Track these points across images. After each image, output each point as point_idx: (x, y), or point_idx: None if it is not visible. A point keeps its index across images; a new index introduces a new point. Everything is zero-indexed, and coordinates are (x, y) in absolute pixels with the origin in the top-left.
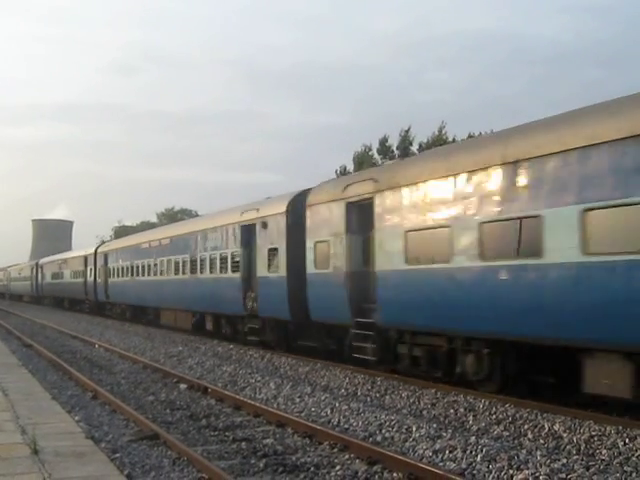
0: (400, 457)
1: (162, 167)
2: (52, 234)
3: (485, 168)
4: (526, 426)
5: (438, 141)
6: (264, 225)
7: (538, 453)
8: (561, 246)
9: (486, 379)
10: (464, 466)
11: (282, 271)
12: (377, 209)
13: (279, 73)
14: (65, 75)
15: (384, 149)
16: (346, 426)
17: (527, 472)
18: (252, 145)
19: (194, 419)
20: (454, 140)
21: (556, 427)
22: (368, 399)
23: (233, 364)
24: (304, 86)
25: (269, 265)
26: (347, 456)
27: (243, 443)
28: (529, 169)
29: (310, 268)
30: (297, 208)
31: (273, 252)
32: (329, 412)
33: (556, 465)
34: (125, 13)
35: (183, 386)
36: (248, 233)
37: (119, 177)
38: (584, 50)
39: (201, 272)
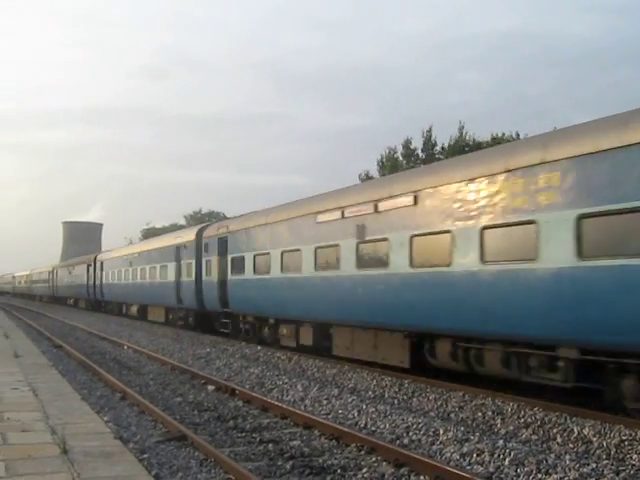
0: (427, 460)
1: (191, 170)
2: (82, 236)
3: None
4: (555, 430)
5: (459, 143)
6: (184, 247)
7: (567, 457)
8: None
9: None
10: (492, 470)
11: (192, 277)
12: (229, 243)
13: (306, 76)
14: (96, 79)
15: (408, 152)
16: (373, 428)
17: (555, 477)
18: (280, 148)
19: (221, 420)
20: (473, 142)
21: (586, 431)
22: (395, 401)
23: (260, 366)
24: (331, 88)
25: (187, 273)
26: (374, 458)
27: (270, 445)
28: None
29: (204, 276)
30: (200, 237)
31: (188, 264)
32: (356, 414)
33: (585, 470)
34: (153, 18)
35: (211, 387)
36: (178, 251)
37: (148, 180)
38: (611, 48)
39: (150, 277)
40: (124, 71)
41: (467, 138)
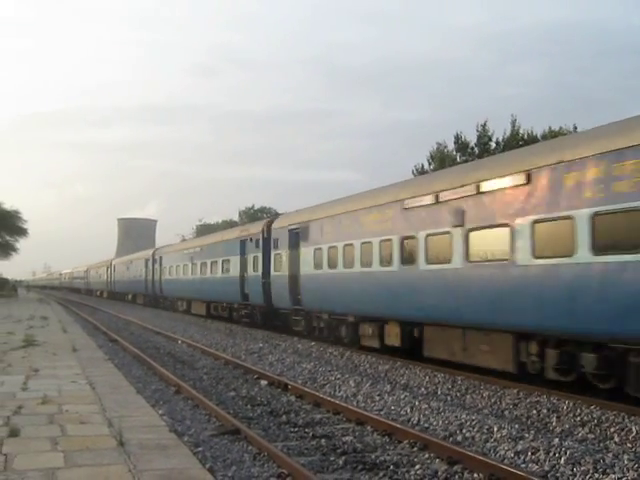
0: (481, 458)
1: (244, 166)
2: (137, 233)
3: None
4: (612, 429)
5: (514, 138)
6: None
7: (625, 457)
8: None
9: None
10: (547, 468)
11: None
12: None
13: (357, 70)
14: (150, 77)
15: (461, 146)
16: (426, 425)
17: (613, 477)
18: (331, 143)
19: (274, 415)
20: (528, 136)
21: None
22: (448, 398)
23: (313, 361)
24: (383, 83)
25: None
26: (427, 455)
27: (323, 440)
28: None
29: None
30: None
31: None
32: (409, 411)
33: None
34: (205, 17)
35: (264, 382)
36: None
37: (203, 176)
38: None
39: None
40: (178, 70)
41: (521, 132)
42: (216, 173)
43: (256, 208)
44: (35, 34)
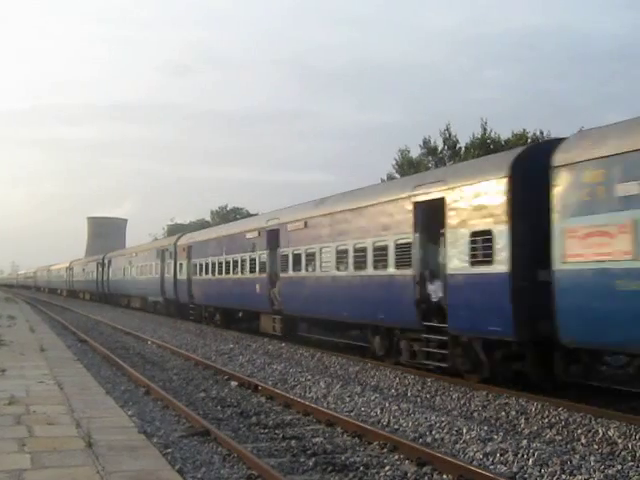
0: (450, 459)
1: (216, 166)
2: (106, 232)
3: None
4: (579, 431)
5: (484, 139)
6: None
7: (592, 458)
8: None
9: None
10: (515, 470)
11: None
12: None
13: (331, 72)
14: (121, 75)
15: (429, 151)
16: (396, 426)
17: (580, 478)
18: (304, 144)
19: (244, 416)
20: (498, 139)
21: (610, 432)
22: (418, 400)
23: (283, 362)
24: (358, 85)
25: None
26: (397, 456)
27: (293, 441)
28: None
29: (178, 275)
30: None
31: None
32: (379, 412)
33: (610, 471)
34: (178, 15)
35: (234, 383)
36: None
37: (173, 176)
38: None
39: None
40: (149, 68)
41: (492, 135)
42: (189, 173)
43: (229, 208)
44: (3, 29)
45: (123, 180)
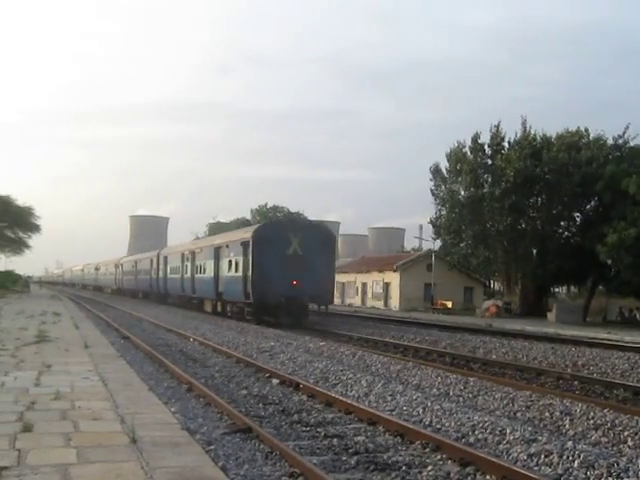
0: (494, 459)
1: (257, 164)
2: (148, 230)
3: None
4: (626, 432)
5: (526, 139)
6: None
7: (639, 461)
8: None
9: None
10: (560, 472)
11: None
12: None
13: (370, 69)
14: (162, 75)
15: (477, 146)
16: (438, 426)
17: None
18: (345, 142)
19: (286, 414)
20: (543, 136)
21: None
22: (460, 399)
23: (324, 360)
24: (396, 82)
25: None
26: (439, 456)
27: (334, 440)
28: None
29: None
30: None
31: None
32: (421, 411)
33: None
34: (218, 14)
35: (275, 381)
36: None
37: (215, 175)
38: None
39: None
40: (191, 67)
41: (533, 133)
42: (230, 171)
43: (269, 207)
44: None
45: (165, 179)
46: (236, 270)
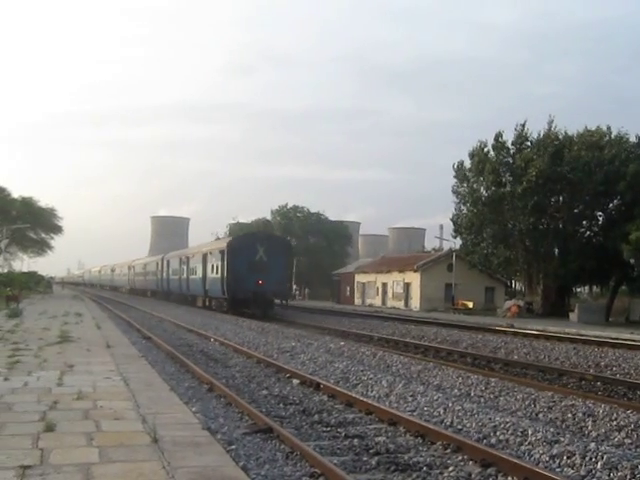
0: (516, 461)
1: (276, 165)
2: (169, 231)
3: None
4: None
5: (549, 137)
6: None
7: None
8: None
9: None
10: (583, 473)
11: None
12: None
13: (389, 68)
14: (184, 77)
15: (499, 145)
16: (459, 427)
17: None
18: (365, 142)
19: (307, 414)
20: (565, 135)
21: None
22: (482, 400)
23: (345, 360)
24: (416, 81)
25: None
26: (460, 457)
27: (355, 440)
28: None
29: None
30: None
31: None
32: (442, 412)
33: None
34: (238, 15)
35: (296, 381)
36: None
37: (236, 175)
38: None
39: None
40: (211, 68)
41: (556, 131)
42: (249, 171)
43: (289, 207)
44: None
45: (186, 180)
46: (217, 272)
